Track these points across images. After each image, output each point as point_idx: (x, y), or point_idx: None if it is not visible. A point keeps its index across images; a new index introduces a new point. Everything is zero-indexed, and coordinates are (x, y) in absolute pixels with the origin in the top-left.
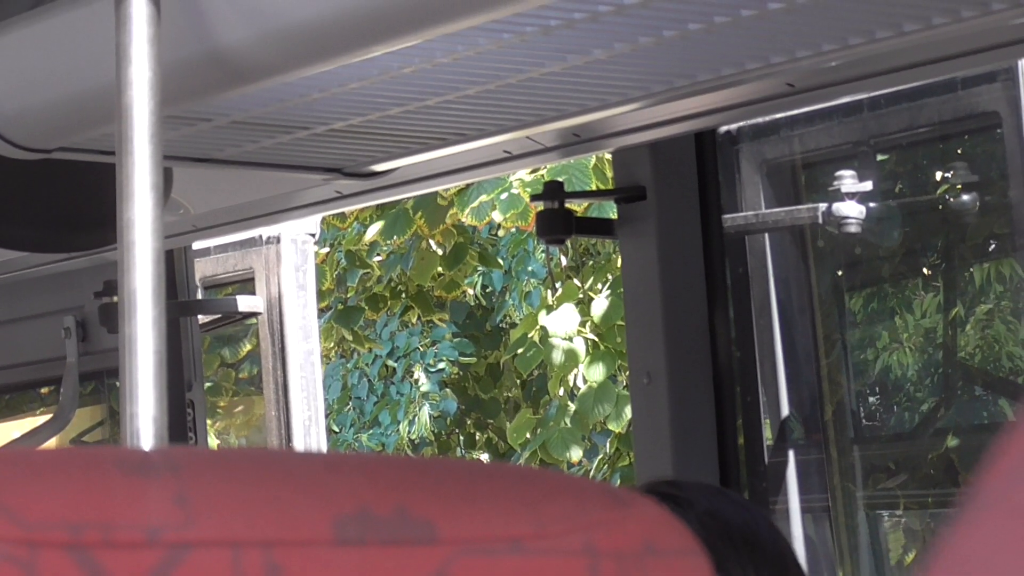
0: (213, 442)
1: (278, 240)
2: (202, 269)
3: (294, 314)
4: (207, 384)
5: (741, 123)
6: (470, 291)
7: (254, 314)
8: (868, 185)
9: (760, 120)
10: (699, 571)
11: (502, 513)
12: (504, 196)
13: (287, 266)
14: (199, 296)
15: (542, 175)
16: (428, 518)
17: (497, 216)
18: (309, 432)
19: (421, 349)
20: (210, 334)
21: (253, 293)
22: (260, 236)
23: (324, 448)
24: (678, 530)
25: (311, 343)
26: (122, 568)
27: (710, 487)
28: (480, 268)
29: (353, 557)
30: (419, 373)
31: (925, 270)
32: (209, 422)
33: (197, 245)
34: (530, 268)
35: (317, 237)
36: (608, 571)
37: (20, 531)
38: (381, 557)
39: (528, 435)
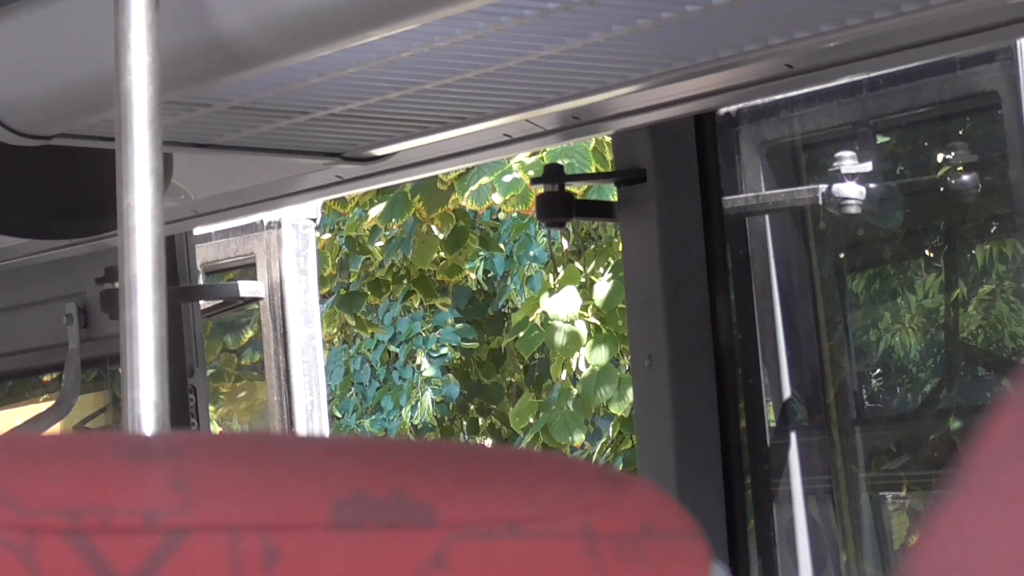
0: (215, 428)
1: (279, 225)
2: (203, 254)
3: (295, 299)
4: (209, 370)
5: (740, 105)
6: (472, 276)
7: (256, 299)
8: (868, 166)
9: (759, 102)
10: (697, 553)
11: (500, 496)
12: (506, 179)
13: (288, 251)
14: (200, 281)
15: (542, 158)
16: (426, 501)
17: (497, 198)
18: (311, 417)
19: (423, 334)
20: (212, 320)
21: (254, 278)
22: (261, 221)
23: (326, 434)
24: (676, 512)
25: (313, 328)
26: (120, 553)
27: None
28: (482, 253)
29: (351, 540)
30: (421, 358)
31: (927, 251)
32: (212, 408)
33: (198, 231)
34: (532, 253)
35: (318, 222)
36: (606, 553)
37: (18, 517)
38: (379, 540)
39: (531, 419)
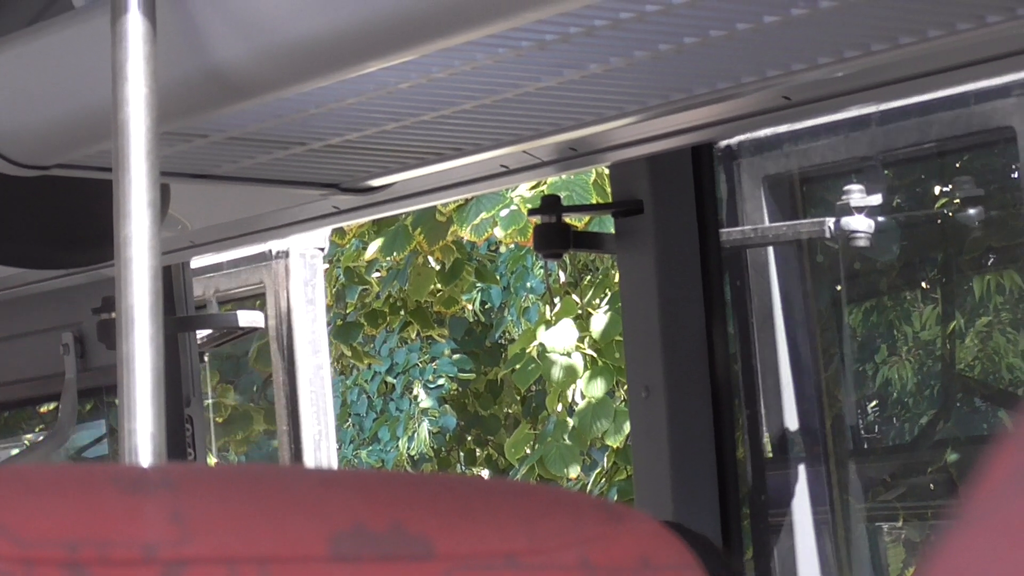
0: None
1: (287, 255)
2: (215, 284)
3: (303, 329)
4: (206, 401)
5: (739, 138)
6: (469, 307)
7: (255, 329)
8: (876, 199)
9: (760, 134)
10: None
11: (498, 529)
12: (504, 213)
13: (296, 281)
14: (213, 311)
15: (542, 191)
16: (424, 534)
17: (498, 232)
18: (319, 447)
19: (420, 365)
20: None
21: (264, 308)
22: (270, 251)
23: (334, 463)
24: (674, 545)
25: (320, 358)
26: None
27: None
28: (479, 284)
29: (349, 573)
30: (418, 389)
31: (924, 283)
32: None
33: (210, 260)
34: (529, 284)
35: (326, 252)
36: None
37: (17, 549)
38: (377, 573)
39: (527, 450)
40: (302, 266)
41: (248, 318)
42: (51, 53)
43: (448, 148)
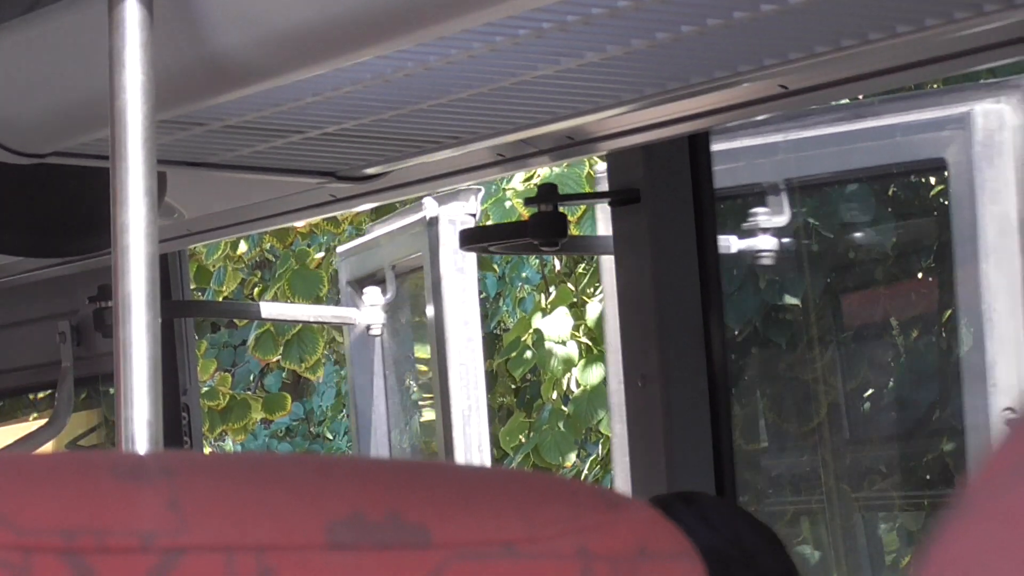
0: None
1: (437, 222)
2: (391, 256)
3: (453, 298)
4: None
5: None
6: None
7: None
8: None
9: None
10: (692, 574)
11: (495, 517)
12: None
13: (446, 249)
14: (393, 282)
15: (535, 185)
16: (421, 522)
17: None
18: (469, 422)
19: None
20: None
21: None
22: (424, 218)
23: (485, 438)
24: (671, 533)
25: (471, 329)
26: (116, 574)
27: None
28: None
29: (346, 561)
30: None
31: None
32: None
33: (385, 230)
34: (524, 274)
35: (478, 217)
36: (601, 574)
37: (14, 537)
38: (374, 561)
39: (521, 439)
40: (452, 233)
41: (272, 310)
42: (48, 41)
43: (445, 136)
